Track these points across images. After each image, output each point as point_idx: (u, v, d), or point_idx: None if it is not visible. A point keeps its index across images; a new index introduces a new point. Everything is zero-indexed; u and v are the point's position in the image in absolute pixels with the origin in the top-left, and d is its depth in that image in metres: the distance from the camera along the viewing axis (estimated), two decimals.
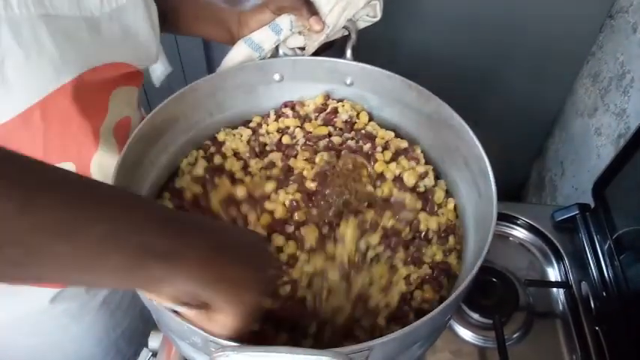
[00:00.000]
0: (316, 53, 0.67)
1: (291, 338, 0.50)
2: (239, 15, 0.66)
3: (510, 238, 0.83)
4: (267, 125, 0.66)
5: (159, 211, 0.39)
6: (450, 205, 0.60)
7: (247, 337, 0.40)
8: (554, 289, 0.77)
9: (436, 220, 0.58)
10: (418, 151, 0.63)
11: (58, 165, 0.42)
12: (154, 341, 0.67)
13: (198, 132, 0.64)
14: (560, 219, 0.82)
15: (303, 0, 0.61)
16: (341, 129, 0.65)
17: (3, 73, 0.45)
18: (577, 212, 0.81)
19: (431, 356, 0.68)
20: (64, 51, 0.48)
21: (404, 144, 0.64)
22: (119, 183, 0.49)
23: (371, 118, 0.67)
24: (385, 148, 0.63)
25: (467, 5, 1.10)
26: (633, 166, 0.71)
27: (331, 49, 0.69)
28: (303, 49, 0.66)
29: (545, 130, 1.37)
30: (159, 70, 0.74)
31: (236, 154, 0.63)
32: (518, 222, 0.83)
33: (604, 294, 0.72)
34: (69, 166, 0.56)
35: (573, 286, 0.75)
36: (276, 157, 0.63)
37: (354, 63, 0.65)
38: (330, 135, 0.64)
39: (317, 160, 0.60)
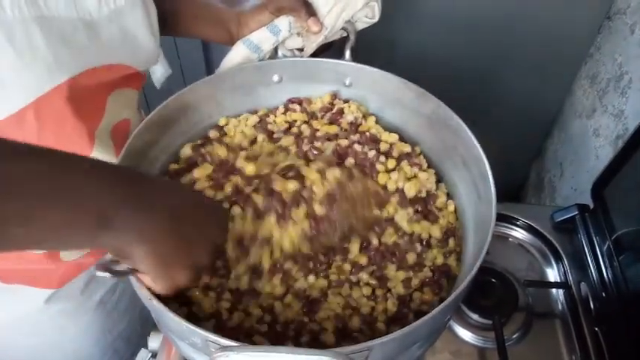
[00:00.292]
0: (315, 54, 0.67)
1: (292, 338, 0.50)
2: (238, 16, 0.66)
3: (510, 239, 0.83)
4: (275, 117, 0.66)
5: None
6: (451, 208, 0.60)
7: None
8: (554, 290, 0.77)
9: (438, 227, 0.58)
10: (421, 157, 0.63)
11: None
12: (154, 342, 0.67)
13: (197, 134, 0.64)
14: (559, 220, 0.82)
15: (301, 1, 0.62)
16: (346, 130, 0.65)
17: None
18: (576, 213, 0.81)
19: (431, 357, 0.68)
20: (58, 52, 0.48)
21: (407, 148, 0.63)
22: None
23: (375, 121, 0.67)
24: (389, 154, 0.62)
25: (465, 6, 1.11)
26: (632, 166, 0.71)
27: (330, 50, 0.69)
28: (301, 50, 0.66)
29: (544, 131, 1.37)
30: (159, 72, 0.74)
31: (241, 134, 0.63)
32: (518, 223, 0.83)
33: (603, 294, 0.72)
34: None
35: (573, 286, 0.75)
36: (289, 141, 0.61)
37: (353, 64, 0.65)
38: (337, 136, 0.63)
39: (328, 175, 0.56)
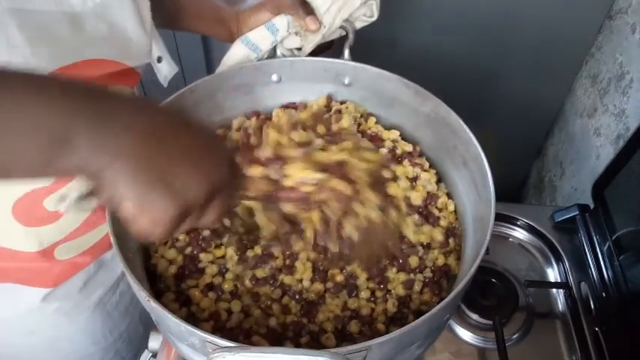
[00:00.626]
0: (315, 54, 0.67)
1: (290, 339, 0.50)
2: (237, 14, 0.66)
3: (510, 239, 0.83)
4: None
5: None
6: (451, 207, 0.60)
7: None
8: (554, 290, 0.76)
9: (440, 230, 0.58)
10: (422, 157, 0.63)
11: None
12: (154, 342, 0.67)
13: None
14: (559, 220, 0.82)
15: (299, 0, 0.62)
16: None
17: None
18: (577, 213, 0.81)
19: (431, 357, 0.68)
20: (35, 45, 0.47)
21: (408, 147, 0.63)
22: None
23: (375, 121, 0.67)
24: (393, 153, 0.62)
25: (465, 5, 1.10)
26: (633, 166, 0.71)
27: (330, 49, 0.69)
28: (300, 49, 0.66)
29: (544, 131, 1.36)
30: (166, 70, 0.73)
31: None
32: (518, 223, 0.83)
33: (604, 295, 0.71)
34: None
35: (573, 286, 0.75)
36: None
37: (352, 63, 0.65)
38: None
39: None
